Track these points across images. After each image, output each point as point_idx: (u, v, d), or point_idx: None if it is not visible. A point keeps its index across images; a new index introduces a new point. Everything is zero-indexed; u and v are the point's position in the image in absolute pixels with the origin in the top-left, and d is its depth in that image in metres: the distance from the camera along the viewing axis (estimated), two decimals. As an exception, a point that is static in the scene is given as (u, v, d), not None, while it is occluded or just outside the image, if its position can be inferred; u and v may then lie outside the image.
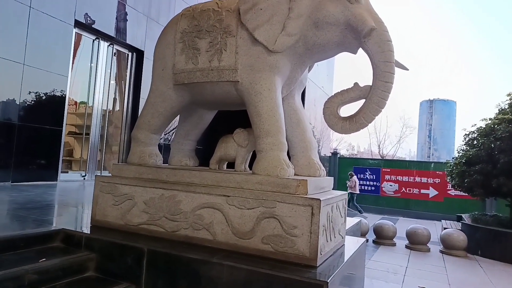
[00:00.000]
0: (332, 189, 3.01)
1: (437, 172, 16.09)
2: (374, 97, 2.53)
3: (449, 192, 15.66)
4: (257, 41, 2.64)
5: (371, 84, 2.60)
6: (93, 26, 7.68)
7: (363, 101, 2.65)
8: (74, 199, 5.05)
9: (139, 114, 3.37)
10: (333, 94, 2.73)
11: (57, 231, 2.91)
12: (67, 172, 7.83)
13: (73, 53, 8.12)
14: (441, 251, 8.26)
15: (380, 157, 32.88)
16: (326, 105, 2.71)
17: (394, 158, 32.28)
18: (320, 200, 2.28)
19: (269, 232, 2.38)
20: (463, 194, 11.66)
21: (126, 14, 8.55)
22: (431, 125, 41.24)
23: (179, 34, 2.94)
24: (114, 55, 9.08)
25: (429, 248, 8.42)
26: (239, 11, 2.72)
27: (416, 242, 8.42)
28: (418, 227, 8.74)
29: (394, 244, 8.69)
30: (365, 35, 2.51)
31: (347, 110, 2.75)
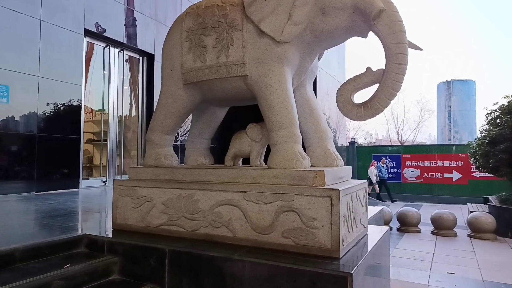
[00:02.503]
0: (351, 179, 2.95)
1: (460, 154, 15.68)
2: (388, 80, 2.45)
3: (473, 174, 15.26)
4: (263, 33, 2.60)
5: (384, 68, 2.52)
6: (102, 33, 7.79)
7: (377, 86, 2.57)
8: (96, 205, 5.14)
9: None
10: (345, 81, 2.66)
11: (80, 237, 2.96)
12: (88, 179, 7.99)
13: (87, 62, 8.27)
14: (469, 235, 8.05)
15: (399, 143, 32.29)
16: (339, 93, 2.64)
17: (414, 143, 31.65)
18: (339, 190, 2.23)
19: (289, 225, 2.35)
20: (489, 175, 11.34)
21: (134, 19, 8.62)
22: (450, 107, 40.15)
23: (185, 33, 2.93)
24: (126, 61, 9.20)
25: (456, 233, 8.21)
26: (243, 4, 2.68)
27: (442, 227, 8.23)
28: (443, 212, 8.53)
29: (419, 231, 8.52)
30: (374, 17, 2.43)
31: (362, 96, 2.68)
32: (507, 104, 8.85)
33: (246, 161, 3.10)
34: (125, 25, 8.34)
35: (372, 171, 15.30)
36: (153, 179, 3.02)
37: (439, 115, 40.41)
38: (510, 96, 8.85)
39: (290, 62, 2.65)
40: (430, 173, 16.24)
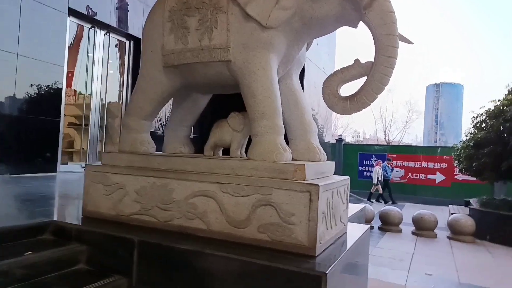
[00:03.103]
0: (334, 175, 2.86)
1: (444, 156, 15.86)
2: (376, 73, 2.35)
3: (456, 177, 15.45)
4: (249, 17, 2.46)
5: (373, 60, 2.41)
6: (92, 16, 7.50)
7: (364, 79, 2.46)
8: (71, 190, 4.95)
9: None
10: (332, 73, 2.55)
11: (47, 223, 2.80)
12: (67, 164, 7.75)
13: (76, 44, 7.98)
14: (449, 237, 8.12)
15: (386, 143, 32.59)
16: (325, 84, 2.53)
17: (400, 144, 31.98)
18: (319, 186, 2.13)
19: (266, 220, 2.24)
20: (471, 178, 11.48)
21: (122, 1, 8.34)
22: (437, 109, 40.68)
23: (167, 13, 2.77)
24: (116, 46, 8.92)
25: (436, 234, 8.28)
26: None
27: (423, 228, 8.28)
28: (425, 212, 8.59)
29: (400, 231, 8.57)
30: (366, 5, 2.31)
31: (350, 89, 2.57)
32: (493, 108, 8.91)
33: (226, 151, 2.98)
34: (116, 9, 8.06)
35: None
36: (128, 165, 2.87)
37: (426, 116, 40.95)
38: (497, 100, 8.90)
39: (277, 49, 2.52)
40: (414, 174, 16.40)
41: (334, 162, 2.91)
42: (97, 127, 8.31)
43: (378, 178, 14.65)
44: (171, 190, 2.59)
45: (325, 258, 2.12)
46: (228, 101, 3.15)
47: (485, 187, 12.57)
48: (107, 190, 2.86)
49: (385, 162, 15.60)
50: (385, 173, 15.00)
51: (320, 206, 2.14)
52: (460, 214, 8.41)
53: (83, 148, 8.18)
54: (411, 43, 2.50)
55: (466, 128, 10.12)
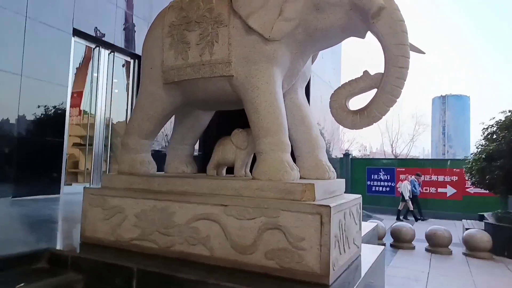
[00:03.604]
0: (344, 193, 2.69)
1: (454, 169, 15.51)
2: (387, 85, 2.21)
3: (468, 190, 15.06)
4: (251, 30, 2.35)
5: (383, 72, 2.28)
6: (92, 34, 7.53)
7: (375, 91, 2.32)
8: (73, 214, 4.81)
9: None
10: (340, 86, 2.41)
11: (42, 251, 2.65)
12: (71, 185, 7.64)
13: (85, 64, 8.02)
14: (464, 253, 7.79)
15: (393, 157, 32.20)
16: (333, 98, 2.40)
17: (408, 157, 31.58)
18: (330, 207, 1.97)
19: (273, 245, 2.07)
20: (483, 191, 11.16)
21: (126, 20, 8.39)
22: (444, 121, 40.28)
23: (167, 28, 2.68)
24: (123, 66, 8.94)
25: (451, 251, 7.95)
26: None
27: (437, 245, 7.97)
28: (438, 228, 8.28)
29: (413, 248, 8.25)
30: (374, 15, 2.19)
31: (359, 102, 2.43)
32: (504, 119, 8.69)
33: (231, 170, 2.84)
34: (115, 25, 8.10)
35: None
36: (127, 187, 2.74)
37: (433, 129, 40.53)
38: (507, 111, 8.69)
39: (280, 63, 2.40)
40: (424, 188, 16.01)
41: (344, 179, 2.75)
42: (101, 147, 8.23)
43: (408, 194, 13.73)
44: (172, 214, 2.43)
45: (339, 287, 1.93)
46: (233, 117, 3.03)
47: (497, 200, 12.19)
48: (106, 214, 2.72)
49: (413, 177, 14.89)
50: (413, 188, 14.05)
51: (332, 229, 1.97)
52: (475, 229, 8.09)
53: (87, 169, 8.09)
54: (423, 52, 2.37)
55: (475, 140, 9.88)
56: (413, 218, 13.62)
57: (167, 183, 2.58)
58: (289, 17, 2.32)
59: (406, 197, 13.87)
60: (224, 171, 2.89)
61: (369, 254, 2.73)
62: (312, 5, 2.32)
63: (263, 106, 2.32)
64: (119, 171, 2.95)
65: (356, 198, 2.59)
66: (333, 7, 2.28)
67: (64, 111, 6.92)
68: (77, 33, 7.17)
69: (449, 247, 8.03)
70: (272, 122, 2.31)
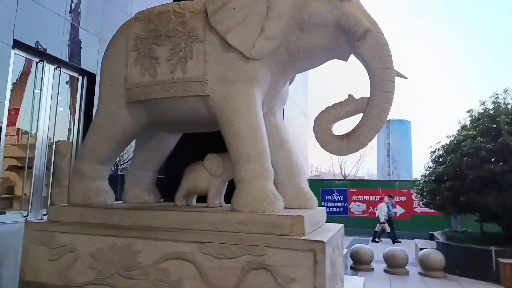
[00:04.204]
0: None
1: (402, 190, 16.22)
2: (374, 110, 2.11)
3: (415, 209, 15.77)
4: (230, 47, 2.15)
5: (368, 96, 2.18)
6: (36, 47, 6.88)
7: (360, 116, 2.21)
8: (6, 249, 4.16)
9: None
10: (323, 109, 2.27)
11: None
12: (5, 213, 6.73)
13: (23, 79, 7.26)
14: (420, 273, 7.96)
15: (342, 177, 33.25)
16: (317, 122, 2.25)
17: (359, 178, 32.77)
18: (324, 243, 1.76)
19: (259, 288, 1.81)
20: (430, 211, 11.68)
21: (74, 34, 7.82)
22: (389, 144, 42.71)
23: (132, 41, 2.39)
24: (67, 84, 8.26)
25: (408, 271, 8.10)
26: (206, 12, 2.23)
27: (395, 266, 8.07)
28: (396, 249, 8.44)
29: (372, 269, 8.29)
30: (359, 37, 2.11)
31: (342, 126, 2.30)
32: (448, 143, 9.22)
33: (201, 199, 2.56)
34: (63, 39, 7.50)
35: (382, 208, 13.70)
36: (80, 221, 2.34)
37: (379, 151, 42.74)
38: (451, 136, 9.25)
39: (260, 83, 2.21)
40: (375, 208, 16.50)
41: (325, 208, 2.58)
42: (43, 169, 7.42)
43: (384, 216, 13.50)
44: (136, 253, 2.09)
45: (335, 335, 1.71)
46: (202, 139, 2.77)
47: (442, 219, 12.88)
48: (53, 254, 2.30)
49: (386, 198, 14.95)
50: (388, 210, 13.91)
51: (326, 267, 1.76)
52: (429, 249, 8.35)
53: (25, 194, 7.22)
54: (405, 77, 2.31)
55: (416, 162, 10.39)
56: (388, 239, 13.61)
57: (129, 216, 2.23)
58: (272, 36, 2.16)
59: (382, 219, 13.64)
60: (194, 201, 2.59)
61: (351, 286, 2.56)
62: (296, 24, 2.18)
63: (243, 130, 2.10)
64: (70, 202, 2.54)
65: (340, 228, 2.42)
66: (318, 27, 2.16)
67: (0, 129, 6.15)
68: (18, 45, 6.50)
69: (406, 267, 8.17)
70: (253, 147, 2.09)
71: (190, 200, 2.55)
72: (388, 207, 14.29)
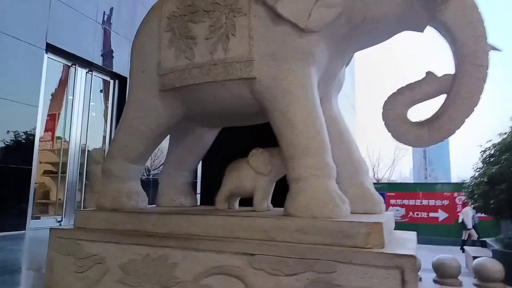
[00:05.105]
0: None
1: (444, 193, 15.25)
2: (464, 89, 1.68)
3: (459, 214, 14.75)
4: (280, 19, 1.79)
5: (453, 73, 1.75)
6: (68, 50, 6.85)
7: (443, 97, 1.78)
8: (39, 258, 3.97)
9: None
10: (396, 91, 1.85)
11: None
12: (39, 218, 6.70)
13: (62, 85, 7.29)
14: (476, 285, 7.21)
15: (375, 181, 32.15)
16: (388, 106, 1.83)
17: (390, 181, 31.51)
18: (415, 258, 1.35)
19: (328, 315, 1.42)
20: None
21: (105, 37, 7.78)
22: (424, 145, 41.18)
23: (165, 20, 2.09)
24: (101, 92, 8.26)
25: (461, 282, 7.37)
26: None
27: (446, 276, 7.34)
28: (446, 257, 7.71)
29: (419, 279, 7.63)
30: (443, 0, 1.68)
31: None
32: (500, 141, 8.42)
33: (244, 203, 2.20)
34: (102, 47, 7.44)
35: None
36: (109, 229, 2.05)
37: (415, 153, 41.13)
38: (505, 134, 8.44)
39: (317, 62, 1.84)
40: (415, 212, 15.63)
41: (392, 212, 2.16)
42: (76, 174, 7.38)
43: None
44: (173, 266, 1.76)
45: None
46: (244, 131, 2.42)
47: (489, 224, 11.81)
48: (80, 266, 2.01)
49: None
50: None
51: (418, 290, 1.35)
52: (485, 257, 7.57)
53: (59, 199, 7.20)
54: (499, 50, 1.85)
55: (463, 165, 9.59)
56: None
57: (165, 223, 1.91)
58: (332, 3, 1.78)
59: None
60: (236, 204, 2.24)
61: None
62: None
63: (299, 117, 1.73)
64: (98, 206, 2.25)
65: (415, 237, 1.99)
66: None
67: (33, 134, 6.12)
68: (51, 48, 6.49)
69: (459, 277, 7.45)
70: (312, 138, 1.71)
71: (232, 203, 2.20)
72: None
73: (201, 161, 2.75)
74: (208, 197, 2.47)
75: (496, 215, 8.11)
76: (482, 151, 8.87)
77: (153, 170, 8.87)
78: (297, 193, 1.70)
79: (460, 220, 12.68)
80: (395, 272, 1.35)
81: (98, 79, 8.00)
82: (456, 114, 1.70)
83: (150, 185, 7.48)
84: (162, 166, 2.66)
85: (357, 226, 1.49)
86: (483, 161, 8.81)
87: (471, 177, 9.20)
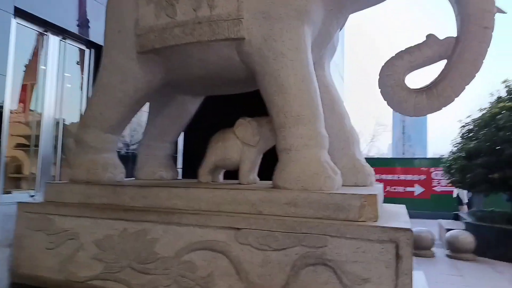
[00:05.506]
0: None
1: (422, 168, 15.64)
2: (466, 53, 1.58)
3: (434, 188, 15.23)
4: None
5: (456, 36, 1.65)
6: (40, 16, 6.36)
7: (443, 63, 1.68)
8: (7, 233, 3.78)
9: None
10: (394, 55, 1.74)
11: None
12: (10, 193, 6.42)
13: (35, 55, 6.81)
14: (448, 255, 7.49)
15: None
16: (386, 72, 1.72)
17: (375, 156, 32.11)
18: (411, 232, 1.28)
19: (318, 290, 1.35)
20: (449, 189, 11.01)
21: (81, 3, 7.28)
22: (404, 121, 41.76)
23: None
24: (77, 64, 7.80)
25: (434, 253, 7.63)
26: None
27: (421, 247, 7.60)
28: (421, 230, 7.94)
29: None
30: None
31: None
32: (480, 116, 8.57)
33: (228, 175, 2.09)
34: (68, 8, 6.96)
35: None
36: (83, 202, 1.91)
37: (395, 129, 41.93)
38: (485, 109, 8.58)
39: (312, 21, 1.70)
40: (393, 187, 16.02)
41: (382, 184, 2.10)
42: (50, 147, 7.07)
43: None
44: (152, 241, 1.65)
45: None
46: (229, 99, 2.28)
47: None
48: (51, 242, 1.88)
49: None
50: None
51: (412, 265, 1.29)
52: (457, 230, 7.85)
53: (32, 173, 6.90)
54: (504, 12, 1.75)
55: (431, 140, 9.74)
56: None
57: (145, 196, 1.78)
58: None
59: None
60: (221, 176, 2.13)
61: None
62: None
63: (291, 82, 1.60)
64: (72, 178, 2.09)
65: (404, 209, 1.94)
66: None
67: (1, 106, 5.74)
68: (20, 13, 6.00)
69: (431, 249, 7.71)
70: (305, 106, 1.60)
71: (216, 176, 2.08)
72: None
73: (182, 132, 2.60)
74: (190, 170, 2.34)
75: (471, 188, 8.34)
76: (461, 127, 9.02)
77: (132, 144, 8.63)
78: (287, 164, 1.59)
79: (455, 195, 12.74)
80: (390, 246, 1.28)
81: (73, 48, 7.55)
82: (457, 79, 1.61)
83: (130, 160, 7.26)
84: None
85: (350, 199, 1.41)
86: (462, 136, 8.97)
87: (449, 152, 9.40)
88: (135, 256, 1.66)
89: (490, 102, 8.75)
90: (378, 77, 1.72)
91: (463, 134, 8.90)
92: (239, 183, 1.88)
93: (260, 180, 2.00)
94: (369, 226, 1.33)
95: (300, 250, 1.39)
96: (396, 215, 1.61)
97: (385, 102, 1.72)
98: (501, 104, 7.86)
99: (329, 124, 1.90)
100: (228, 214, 1.56)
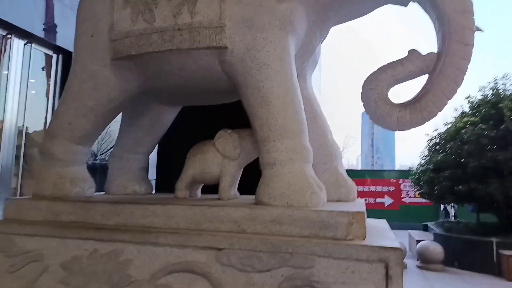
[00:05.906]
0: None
1: (391, 180, 16.06)
2: (448, 68, 1.60)
3: (403, 199, 15.65)
4: None
5: (436, 52, 1.66)
6: (3, 18, 6.05)
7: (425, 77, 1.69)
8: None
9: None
10: (377, 69, 1.73)
11: None
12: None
13: None
14: (418, 266, 7.66)
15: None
16: (369, 86, 1.70)
17: (345, 168, 32.76)
18: (401, 251, 1.25)
19: (305, 314, 1.28)
20: (418, 201, 11.41)
21: (47, 6, 7.00)
22: (373, 134, 42.99)
23: None
24: (43, 69, 7.46)
25: (406, 264, 7.77)
26: None
27: (393, 258, 7.74)
28: (394, 241, 8.09)
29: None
30: None
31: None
32: (445, 131, 8.92)
33: (207, 190, 2.00)
34: (36, 12, 6.67)
35: None
36: (49, 220, 1.75)
37: (363, 142, 43.04)
38: (450, 123, 8.95)
39: (296, 32, 1.66)
40: (363, 198, 16.29)
41: (364, 200, 2.08)
42: (11, 158, 6.66)
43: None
44: (126, 263, 1.52)
45: None
46: (208, 110, 2.20)
47: (430, 209, 12.67)
48: (11, 265, 1.70)
49: None
50: None
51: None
52: (427, 241, 8.05)
53: (-9, 185, 6.46)
54: (481, 30, 1.79)
55: (407, 153, 10.09)
56: None
57: (118, 213, 1.65)
58: None
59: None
60: (199, 192, 2.03)
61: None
62: None
63: (276, 94, 1.55)
64: (36, 193, 1.93)
65: (386, 224, 1.92)
66: None
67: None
68: (-20, 15, 5.69)
69: (404, 260, 7.86)
70: (289, 118, 1.55)
71: (194, 191, 1.98)
72: None
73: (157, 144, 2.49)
74: (166, 184, 2.23)
75: (439, 201, 8.61)
76: (429, 140, 9.35)
77: (100, 154, 8.31)
78: (271, 179, 1.53)
79: (442, 209, 12.82)
80: (379, 266, 1.24)
81: (39, 52, 7.23)
82: (440, 94, 1.61)
83: (98, 172, 6.96)
84: (112, 150, 2.35)
85: (337, 216, 1.36)
86: (430, 149, 9.29)
87: (418, 165, 9.69)
88: (106, 279, 1.53)
89: (454, 117, 9.15)
90: (361, 90, 1.71)
91: (430, 147, 9.23)
92: (219, 199, 1.80)
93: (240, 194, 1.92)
94: (358, 245, 1.28)
95: (286, 271, 1.32)
96: (381, 232, 1.58)
97: (368, 115, 1.70)
98: (466, 119, 8.22)
99: (312, 137, 1.86)
100: (209, 233, 1.46)
